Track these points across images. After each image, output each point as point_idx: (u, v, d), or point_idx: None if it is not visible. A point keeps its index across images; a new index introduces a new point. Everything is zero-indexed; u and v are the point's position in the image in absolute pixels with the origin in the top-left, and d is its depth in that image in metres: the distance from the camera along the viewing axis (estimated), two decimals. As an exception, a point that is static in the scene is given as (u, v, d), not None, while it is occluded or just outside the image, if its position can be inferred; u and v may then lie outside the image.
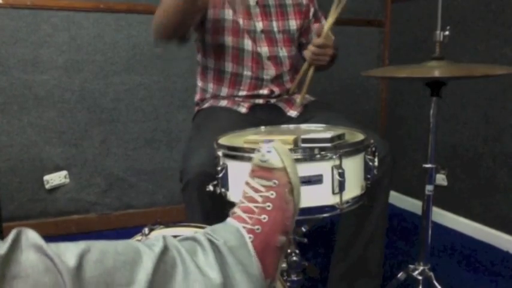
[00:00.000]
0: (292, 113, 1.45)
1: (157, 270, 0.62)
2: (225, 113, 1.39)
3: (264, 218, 0.74)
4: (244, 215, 0.75)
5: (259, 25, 1.43)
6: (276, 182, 0.76)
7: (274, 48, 1.45)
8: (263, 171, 0.78)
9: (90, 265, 0.57)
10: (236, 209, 0.77)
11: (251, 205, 0.76)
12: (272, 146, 0.78)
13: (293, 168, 0.79)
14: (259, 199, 0.76)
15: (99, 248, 0.60)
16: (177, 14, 1.20)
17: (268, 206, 0.75)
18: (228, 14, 1.40)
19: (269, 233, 0.74)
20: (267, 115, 1.43)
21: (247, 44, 1.42)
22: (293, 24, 1.48)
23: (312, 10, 1.55)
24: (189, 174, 1.11)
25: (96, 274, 0.57)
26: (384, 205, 1.31)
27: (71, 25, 1.98)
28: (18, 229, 0.58)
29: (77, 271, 0.56)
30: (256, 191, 0.77)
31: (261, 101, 1.46)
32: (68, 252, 0.57)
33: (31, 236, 0.57)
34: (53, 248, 0.57)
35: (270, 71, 1.45)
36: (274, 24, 1.45)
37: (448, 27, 1.18)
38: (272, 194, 0.76)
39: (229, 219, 0.77)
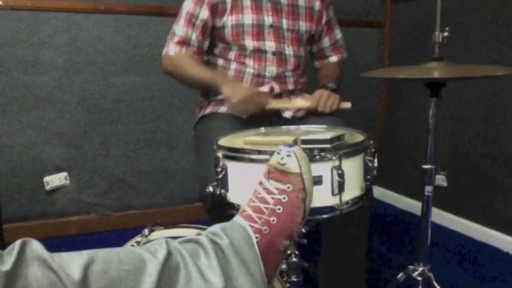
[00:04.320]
0: (287, 113, 1.45)
1: (162, 277, 0.62)
2: (225, 121, 1.38)
3: (273, 220, 0.75)
4: (253, 214, 0.75)
5: (269, 20, 1.42)
6: (291, 186, 0.77)
7: (280, 44, 1.44)
8: (279, 174, 0.78)
9: (95, 277, 0.57)
10: (246, 208, 0.77)
11: (262, 205, 0.76)
12: (292, 151, 0.78)
13: (309, 176, 0.80)
14: (271, 201, 0.76)
15: (102, 257, 0.60)
16: (198, 86, 1.46)
17: (279, 209, 0.76)
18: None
19: (275, 235, 0.74)
20: (266, 118, 1.42)
21: (252, 40, 1.41)
22: (303, 25, 1.48)
23: (324, 17, 1.54)
24: (210, 201, 1.11)
25: (101, 286, 0.57)
26: (366, 210, 1.27)
27: (71, 26, 1.99)
28: (23, 240, 0.58)
29: (82, 284, 0.56)
30: (269, 192, 0.77)
31: None
32: (72, 264, 0.57)
33: (35, 248, 0.58)
34: (56, 260, 0.57)
35: (273, 68, 1.44)
36: (284, 21, 1.45)
37: (447, 28, 1.18)
38: (284, 198, 0.76)
39: (237, 218, 0.77)
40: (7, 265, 0.54)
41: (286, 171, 0.78)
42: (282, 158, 0.78)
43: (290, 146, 0.80)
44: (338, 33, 1.62)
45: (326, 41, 1.60)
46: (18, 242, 0.57)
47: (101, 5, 2.01)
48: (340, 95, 1.46)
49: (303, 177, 0.78)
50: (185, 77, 1.44)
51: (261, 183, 0.80)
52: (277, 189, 0.77)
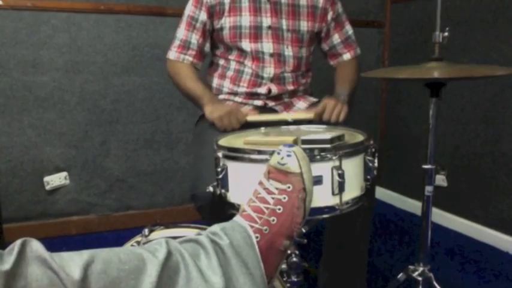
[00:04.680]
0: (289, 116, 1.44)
1: (162, 278, 0.62)
2: None
3: (273, 220, 0.75)
4: (253, 214, 0.76)
5: (267, 21, 1.40)
6: (291, 186, 0.77)
7: (279, 45, 1.42)
8: (279, 173, 0.78)
9: (95, 276, 0.58)
10: (246, 207, 0.78)
11: (262, 205, 0.76)
12: (292, 150, 0.79)
13: (309, 176, 0.80)
14: (271, 201, 0.76)
15: (102, 257, 0.60)
16: (187, 98, 1.49)
17: (279, 209, 0.76)
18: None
19: (275, 234, 0.75)
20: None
21: (250, 42, 1.41)
22: (304, 25, 1.44)
23: (330, 14, 1.48)
24: (200, 200, 1.15)
25: (101, 285, 0.58)
26: (368, 210, 1.28)
27: (71, 26, 1.99)
28: (23, 240, 0.58)
29: (82, 283, 0.56)
30: (269, 192, 0.77)
31: (259, 102, 1.45)
32: (72, 264, 0.57)
33: (35, 247, 0.58)
34: (56, 260, 0.57)
35: (270, 69, 1.43)
36: (284, 22, 1.42)
37: (447, 28, 1.18)
38: (284, 198, 0.76)
39: (237, 218, 0.77)
40: (7, 265, 0.54)
41: (287, 171, 0.78)
42: (282, 158, 0.78)
43: (290, 146, 0.80)
44: (349, 29, 1.56)
45: (336, 38, 1.54)
46: (18, 242, 0.58)
47: (101, 4, 2.01)
48: (354, 100, 1.43)
49: (303, 177, 0.78)
50: (179, 84, 1.48)
51: (261, 183, 0.80)
52: (277, 189, 0.77)
